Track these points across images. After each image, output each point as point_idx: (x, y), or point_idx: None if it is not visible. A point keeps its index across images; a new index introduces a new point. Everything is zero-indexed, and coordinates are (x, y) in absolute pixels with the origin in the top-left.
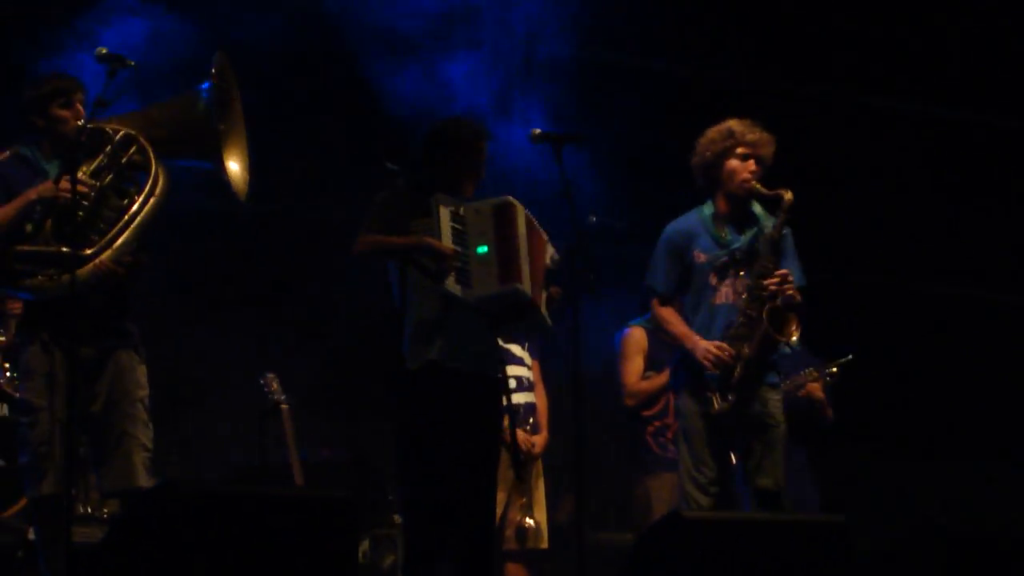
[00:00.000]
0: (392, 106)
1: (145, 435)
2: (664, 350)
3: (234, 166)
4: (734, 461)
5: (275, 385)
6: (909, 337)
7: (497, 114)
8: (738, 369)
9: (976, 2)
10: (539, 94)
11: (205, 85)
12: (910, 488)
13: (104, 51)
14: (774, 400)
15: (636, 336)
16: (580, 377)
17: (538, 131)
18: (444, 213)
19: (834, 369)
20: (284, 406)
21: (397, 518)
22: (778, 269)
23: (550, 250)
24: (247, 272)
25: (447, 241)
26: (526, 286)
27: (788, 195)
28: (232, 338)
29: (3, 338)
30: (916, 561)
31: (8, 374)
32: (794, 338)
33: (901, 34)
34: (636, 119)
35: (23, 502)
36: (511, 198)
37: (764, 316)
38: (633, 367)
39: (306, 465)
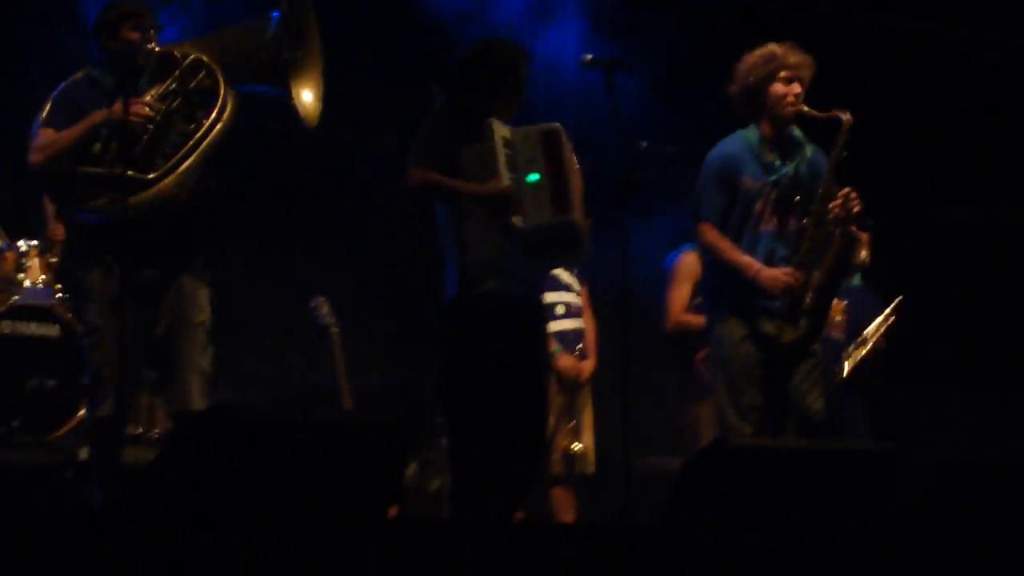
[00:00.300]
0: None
1: (204, 359)
2: None
3: (307, 94)
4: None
5: (325, 309)
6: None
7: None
8: (809, 296)
9: None
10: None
11: (275, 13)
12: (963, 420)
13: None
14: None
15: (688, 261)
16: (629, 301)
17: (589, 57)
18: (497, 141)
19: (892, 319)
20: (334, 329)
21: (444, 442)
22: (840, 190)
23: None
24: (297, 196)
25: (503, 170)
26: (577, 215)
27: (847, 116)
28: (282, 262)
29: (54, 259)
30: (966, 492)
31: (59, 295)
32: (864, 255)
33: None
34: (675, 39)
35: (73, 422)
36: (557, 124)
37: (837, 238)
38: (681, 293)
39: (355, 389)
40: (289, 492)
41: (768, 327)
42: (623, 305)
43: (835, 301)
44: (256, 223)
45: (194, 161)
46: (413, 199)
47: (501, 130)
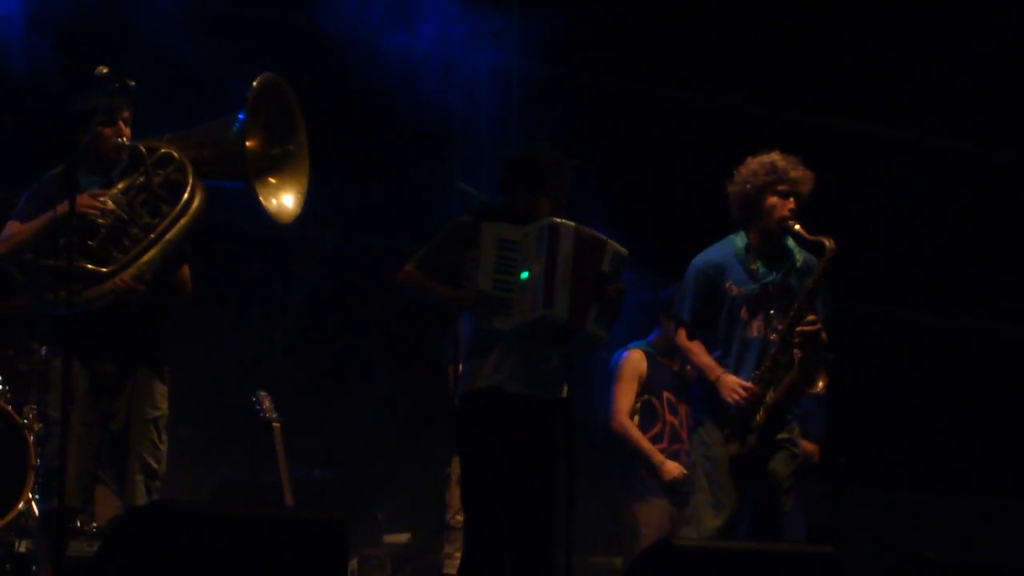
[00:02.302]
0: None
1: (152, 455)
2: (662, 375)
3: (285, 193)
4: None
5: (267, 403)
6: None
7: None
8: (760, 414)
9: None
10: None
11: (240, 116)
12: (898, 520)
13: (104, 70)
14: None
15: (635, 359)
16: (571, 400)
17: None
18: (489, 243)
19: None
20: (276, 424)
21: (385, 538)
22: (811, 315)
23: (612, 249)
24: (242, 290)
25: (485, 276)
26: (558, 311)
27: (830, 243)
28: (224, 355)
29: None
30: None
31: (0, 387)
32: (821, 387)
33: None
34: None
35: (12, 515)
36: (556, 219)
37: (796, 365)
38: (626, 391)
39: (297, 484)
40: None
41: (724, 432)
42: (567, 405)
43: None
44: (200, 315)
45: (154, 254)
46: (356, 290)
47: (499, 232)
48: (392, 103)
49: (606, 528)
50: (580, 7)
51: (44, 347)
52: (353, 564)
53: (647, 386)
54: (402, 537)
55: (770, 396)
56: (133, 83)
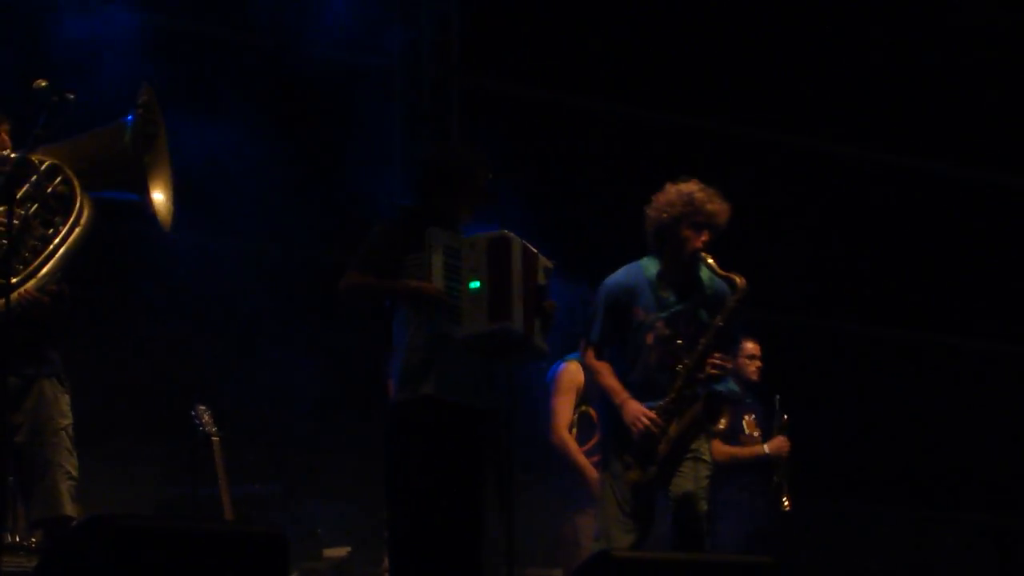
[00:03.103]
0: None
1: (70, 463)
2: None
3: (159, 196)
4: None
5: (207, 417)
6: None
7: None
8: (663, 445)
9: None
10: None
11: (129, 118)
12: (846, 534)
13: (43, 83)
14: (703, 475)
15: (571, 371)
16: (513, 411)
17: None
18: (437, 249)
19: (784, 417)
20: (215, 438)
21: (325, 552)
22: (717, 353)
23: (543, 263)
24: (178, 300)
25: (438, 278)
26: (516, 323)
27: (741, 281)
28: (164, 368)
29: None
30: None
31: None
32: (722, 427)
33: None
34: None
35: None
36: (506, 232)
37: (701, 400)
38: (564, 403)
39: (236, 498)
40: None
41: (625, 459)
42: (508, 417)
43: (748, 417)
44: (137, 328)
45: (54, 265)
46: (347, 304)
47: (445, 239)
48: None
49: (546, 540)
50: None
51: None
52: None
53: (584, 397)
54: (342, 551)
55: (673, 428)
56: (72, 96)
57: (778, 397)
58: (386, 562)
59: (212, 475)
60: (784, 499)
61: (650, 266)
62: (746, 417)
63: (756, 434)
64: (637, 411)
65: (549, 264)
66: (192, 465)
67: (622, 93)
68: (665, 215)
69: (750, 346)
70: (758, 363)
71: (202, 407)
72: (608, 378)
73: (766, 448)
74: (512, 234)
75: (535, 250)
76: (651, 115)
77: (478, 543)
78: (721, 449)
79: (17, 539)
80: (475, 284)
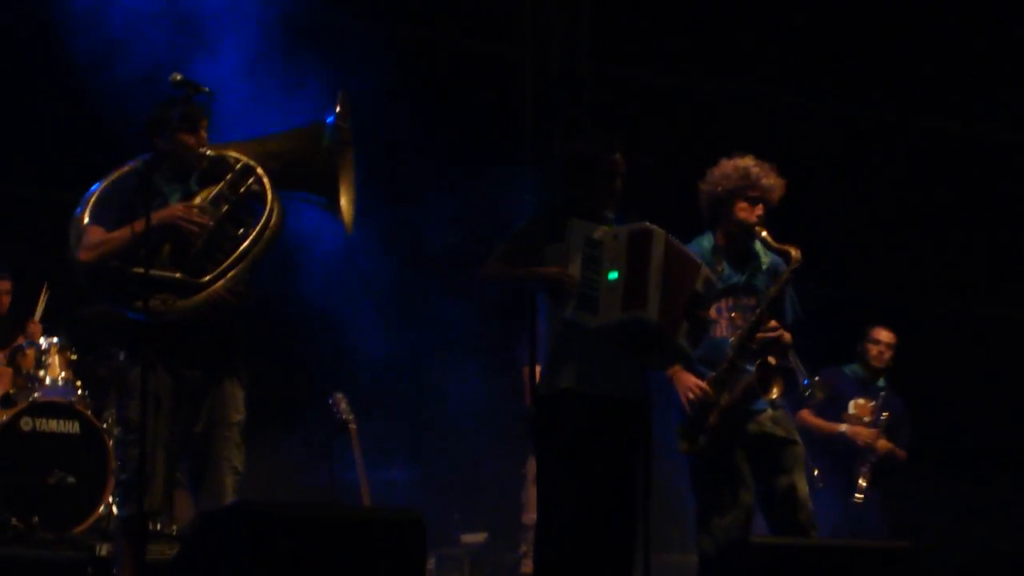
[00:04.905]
0: None
1: (238, 458)
2: None
3: (345, 200)
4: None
5: (343, 404)
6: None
7: None
8: (713, 416)
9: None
10: None
11: (330, 120)
12: (975, 513)
13: (179, 77)
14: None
15: None
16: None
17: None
18: (577, 239)
19: (885, 415)
20: (352, 425)
21: (463, 537)
22: (772, 322)
23: (703, 274)
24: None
25: (575, 267)
26: (651, 314)
27: (796, 253)
28: (300, 358)
29: (75, 356)
30: None
31: (79, 392)
32: (775, 396)
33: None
34: None
35: (93, 518)
36: (649, 224)
37: (754, 370)
38: None
39: (374, 484)
40: None
41: (678, 429)
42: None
43: (863, 401)
44: (276, 320)
45: (244, 266)
46: (482, 291)
47: (585, 229)
48: None
49: (681, 527)
50: None
51: (123, 352)
52: (431, 563)
53: None
54: (479, 536)
55: (725, 399)
56: (208, 90)
57: (883, 393)
58: (523, 548)
59: (350, 462)
60: (858, 491)
61: (705, 241)
62: (858, 400)
63: (867, 419)
64: (689, 382)
65: (712, 276)
66: (330, 452)
67: (748, 76)
68: (720, 189)
69: (884, 334)
70: (888, 351)
71: (339, 395)
72: None
73: (842, 428)
74: (655, 227)
75: (693, 256)
76: (788, 97)
77: (628, 532)
78: (804, 417)
79: (159, 527)
80: (613, 275)
